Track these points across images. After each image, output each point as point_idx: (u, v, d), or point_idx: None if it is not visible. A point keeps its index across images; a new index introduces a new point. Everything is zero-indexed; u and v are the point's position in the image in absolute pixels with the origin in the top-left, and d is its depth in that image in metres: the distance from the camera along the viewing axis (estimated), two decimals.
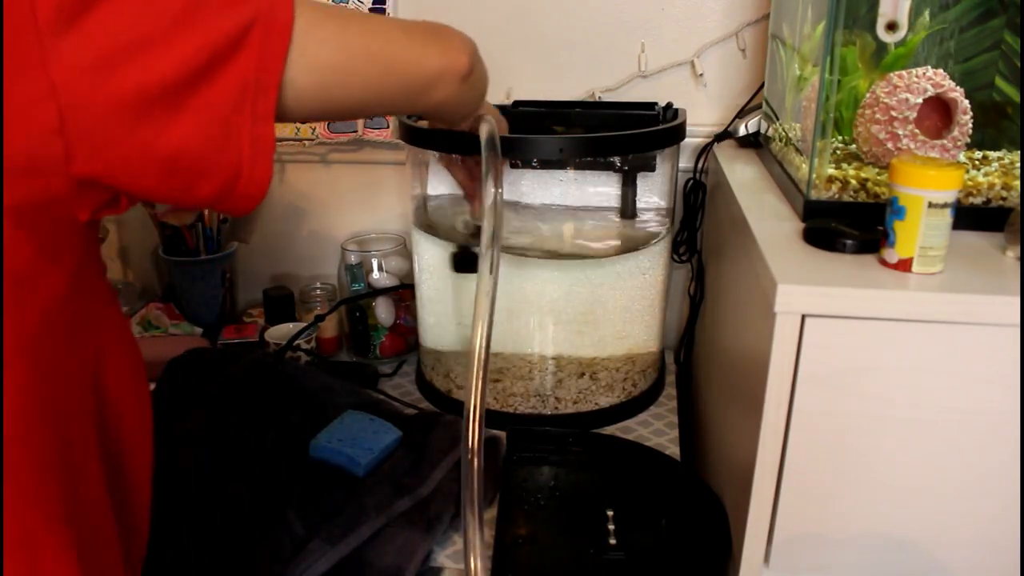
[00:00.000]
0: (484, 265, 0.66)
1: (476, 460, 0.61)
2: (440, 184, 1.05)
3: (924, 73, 0.81)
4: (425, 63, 0.59)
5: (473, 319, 0.65)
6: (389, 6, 1.15)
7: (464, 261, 0.98)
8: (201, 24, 0.44)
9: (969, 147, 0.85)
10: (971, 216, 0.74)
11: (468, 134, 0.81)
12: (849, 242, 0.69)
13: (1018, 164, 0.83)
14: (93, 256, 0.51)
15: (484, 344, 0.64)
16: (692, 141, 1.09)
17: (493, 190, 0.69)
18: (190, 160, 0.46)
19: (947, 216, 0.64)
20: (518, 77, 1.18)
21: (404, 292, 1.18)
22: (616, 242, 1.02)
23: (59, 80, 0.41)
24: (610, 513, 0.80)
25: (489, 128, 0.74)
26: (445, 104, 0.63)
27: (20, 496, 0.45)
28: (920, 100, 0.79)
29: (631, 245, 1.00)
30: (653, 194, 1.04)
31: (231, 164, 0.47)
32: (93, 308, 0.51)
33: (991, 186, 0.77)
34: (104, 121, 0.43)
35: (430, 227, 1.03)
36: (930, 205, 0.63)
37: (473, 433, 0.62)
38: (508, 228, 1.01)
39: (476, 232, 0.98)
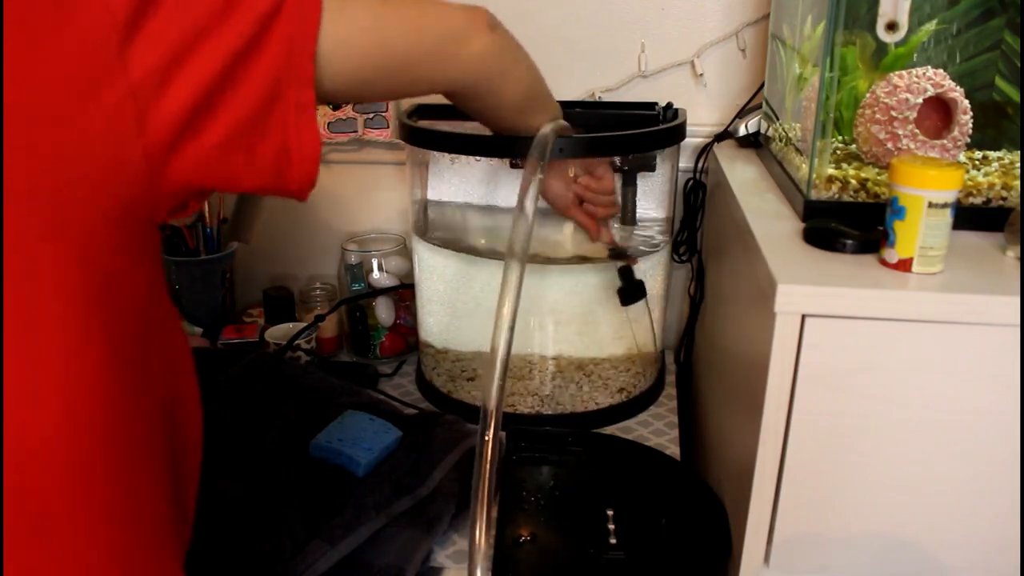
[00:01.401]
0: (510, 274, 0.64)
1: (488, 462, 0.60)
2: (440, 184, 1.05)
3: (924, 73, 0.81)
4: (452, 16, 0.60)
5: (495, 327, 0.63)
6: None
7: (630, 292, 0.96)
8: (241, 5, 0.45)
9: (969, 147, 0.85)
10: (971, 216, 0.74)
11: (471, 135, 0.80)
12: (849, 242, 0.69)
13: (1018, 164, 0.83)
14: (160, 258, 0.52)
15: (504, 354, 0.62)
16: (692, 141, 1.09)
17: (531, 201, 0.67)
18: (244, 132, 0.47)
19: (947, 216, 0.64)
20: None
21: (404, 292, 1.18)
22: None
23: (136, 80, 0.42)
24: (610, 513, 0.80)
25: (548, 128, 0.72)
26: (485, 57, 0.63)
27: (109, 491, 0.46)
28: (920, 100, 0.79)
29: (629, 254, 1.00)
30: (652, 203, 1.04)
31: (279, 128, 0.48)
32: (164, 310, 0.52)
33: (991, 186, 0.77)
34: (174, 120, 0.44)
35: (430, 234, 1.03)
36: (930, 205, 0.63)
37: (489, 434, 0.61)
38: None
39: (616, 254, 0.97)
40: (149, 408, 0.49)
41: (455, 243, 1.01)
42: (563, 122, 0.77)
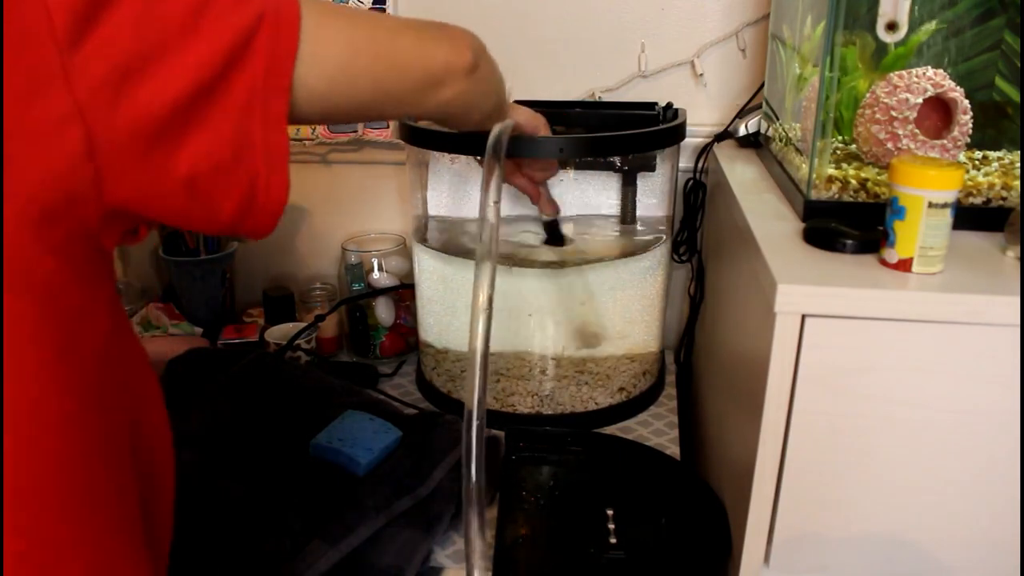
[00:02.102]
0: (481, 274, 0.65)
1: (475, 460, 0.61)
2: (440, 184, 1.05)
3: (924, 73, 0.81)
4: (431, 59, 0.58)
5: (471, 324, 0.64)
6: (389, 6, 1.15)
7: (553, 234, 1.00)
8: (208, 28, 0.41)
9: (969, 147, 0.85)
10: (971, 216, 0.74)
11: (473, 134, 0.81)
12: (849, 242, 0.69)
13: (1018, 164, 0.83)
14: (114, 281, 0.49)
15: (483, 350, 0.63)
16: (692, 141, 1.09)
17: (493, 197, 0.68)
18: (208, 175, 0.43)
19: (947, 216, 0.64)
20: (518, 77, 1.18)
21: (404, 292, 1.18)
22: (615, 252, 1.02)
23: (83, 98, 0.38)
24: (610, 513, 0.80)
25: (498, 130, 0.73)
26: (453, 102, 0.62)
27: (84, 525, 0.45)
28: (920, 100, 0.79)
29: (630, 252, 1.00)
30: (652, 199, 1.04)
31: (248, 175, 0.45)
32: (125, 333, 0.50)
33: (991, 186, 0.77)
34: (127, 142, 0.40)
35: (430, 242, 1.03)
36: (930, 205, 0.63)
37: (473, 433, 0.62)
38: (507, 238, 1.01)
39: (549, 225, 1.00)
40: (113, 439, 0.47)
41: (455, 251, 1.01)
42: (510, 121, 0.77)
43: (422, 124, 0.92)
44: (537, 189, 0.93)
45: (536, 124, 0.83)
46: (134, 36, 0.39)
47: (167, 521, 0.57)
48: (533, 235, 1.03)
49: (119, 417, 0.48)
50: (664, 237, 1.04)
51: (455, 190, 1.05)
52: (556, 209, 0.96)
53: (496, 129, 0.73)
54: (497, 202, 0.67)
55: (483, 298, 0.63)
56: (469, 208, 1.06)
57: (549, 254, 0.99)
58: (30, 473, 0.41)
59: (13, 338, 0.39)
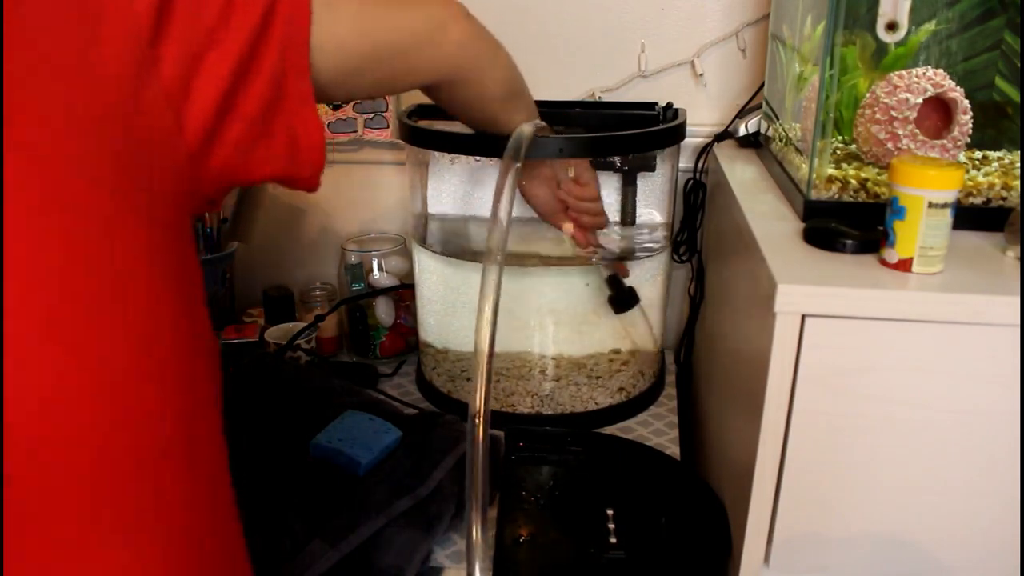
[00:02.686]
0: (489, 275, 0.65)
1: (480, 460, 0.61)
2: (440, 184, 1.05)
3: (924, 73, 0.81)
4: (429, 4, 0.63)
5: (477, 325, 0.64)
6: None
7: (621, 300, 0.95)
8: (240, 9, 0.47)
9: (969, 147, 0.85)
10: (971, 216, 0.74)
11: (471, 135, 0.81)
12: (849, 242, 0.69)
13: (1018, 164, 0.83)
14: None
15: (488, 351, 0.63)
16: (692, 141, 1.09)
17: (507, 198, 0.67)
18: (258, 126, 0.49)
19: (947, 216, 0.64)
20: None
21: (404, 292, 1.18)
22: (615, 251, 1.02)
23: (167, 81, 0.43)
24: (610, 513, 0.80)
25: (526, 130, 0.72)
26: (465, 43, 0.66)
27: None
28: (920, 100, 0.79)
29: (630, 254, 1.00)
30: (652, 208, 1.04)
31: (285, 122, 0.50)
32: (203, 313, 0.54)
33: (991, 186, 0.77)
34: (204, 120, 0.45)
35: (430, 243, 1.03)
36: (930, 205, 0.63)
37: (478, 433, 0.62)
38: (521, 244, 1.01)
39: (612, 281, 0.96)
40: (212, 390, 0.52)
41: (455, 252, 1.01)
42: (540, 122, 0.78)
43: (422, 124, 0.92)
44: (585, 235, 0.91)
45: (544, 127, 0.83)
46: (193, 24, 0.45)
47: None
48: (552, 243, 1.01)
49: (213, 370, 0.52)
50: (664, 244, 1.04)
51: (455, 190, 1.05)
52: (624, 271, 0.94)
53: (526, 127, 0.73)
54: (510, 207, 0.68)
55: (488, 309, 0.64)
56: (469, 208, 1.06)
57: (547, 251, 0.99)
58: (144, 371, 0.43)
59: (129, 254, 0.42)
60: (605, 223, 0.92)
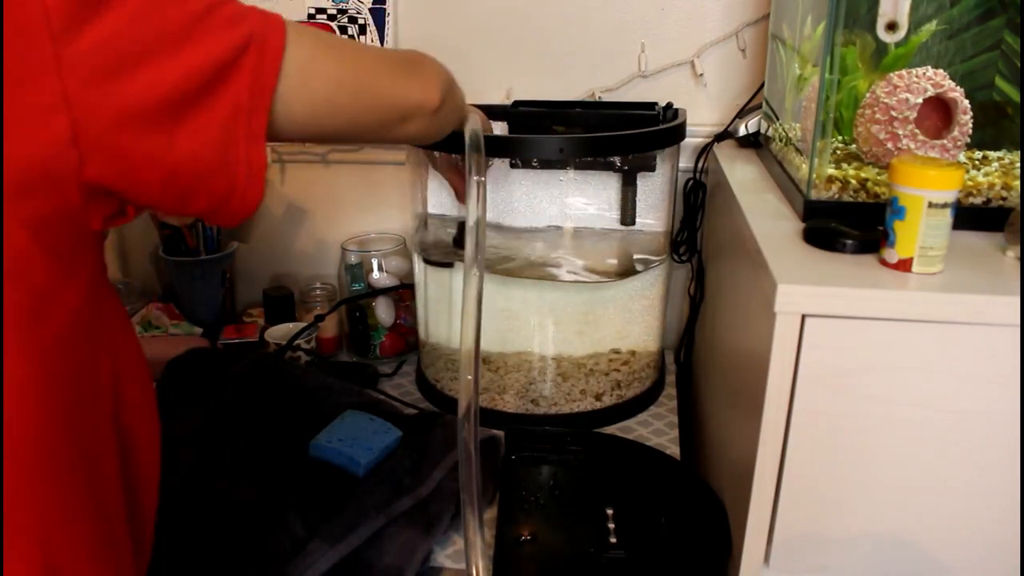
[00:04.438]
0: (469, 268, 0.67)
1: (473, 459, 0.61)
2: (440, 185, 1.05)
3: (924, 73, 0.81)
4: (403, 98, 0.63)
5: (462, 320, 0.65)
6: (389, 6, 1.15)
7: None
8: (202, 41, 0.45)
9: (969, 147, 0.85)
10: (971, 216, 0.74)
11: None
12: (849, 242, 0.69)
13: (1018, 164, 0.83)
14: (103, 267, 0.51)
15: (474, 346, 0.64)
16: (692, 141, 1.09)
17: (476, 186, 0.71)
18: (190, 175, 0.47)
19: (947, 216, 0.64)
20: (518, 77, 1.18)
21: (404, 292, 1.18)
22: (615, 263, 1.02)
23: (72, 88, 0.41)
24: (610, 512, 0.80)
25: (472, 127, 0.75)
26: (415, 137, 0.67)
27: (44, 512, 0.45)
28: (920, 100, 0.79)
29: (629, 268, 1.00)
30: (651, 218, 1.04)
31: (228, 181, 0.48)
32: (107, 319, 0.51)
33: (991, 186, 0.77)
34: (112, 132, 0.43)
35: (432, 252, 1.03)
36: (930, 205, 0.63)
37: (469, 433, 0.62)
38: (505, 251, 1.01)
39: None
40: (88, 425, 0.48)
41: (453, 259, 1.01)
42: (475, 118, 0.78)
43: None
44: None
45: (488, 126, 0.86)
46: (130, 35, 0.42)
47: (151, 501, 0.57)
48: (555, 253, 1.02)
49: (91, 392, 0.49)
50: (663, 259, 1.04)
51: (454, 205, 1.05)
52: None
53: (468, 126, 0.75)
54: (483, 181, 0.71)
55: (472, 301, 0.65)
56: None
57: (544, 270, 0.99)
58: None
59: None
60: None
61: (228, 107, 0.46)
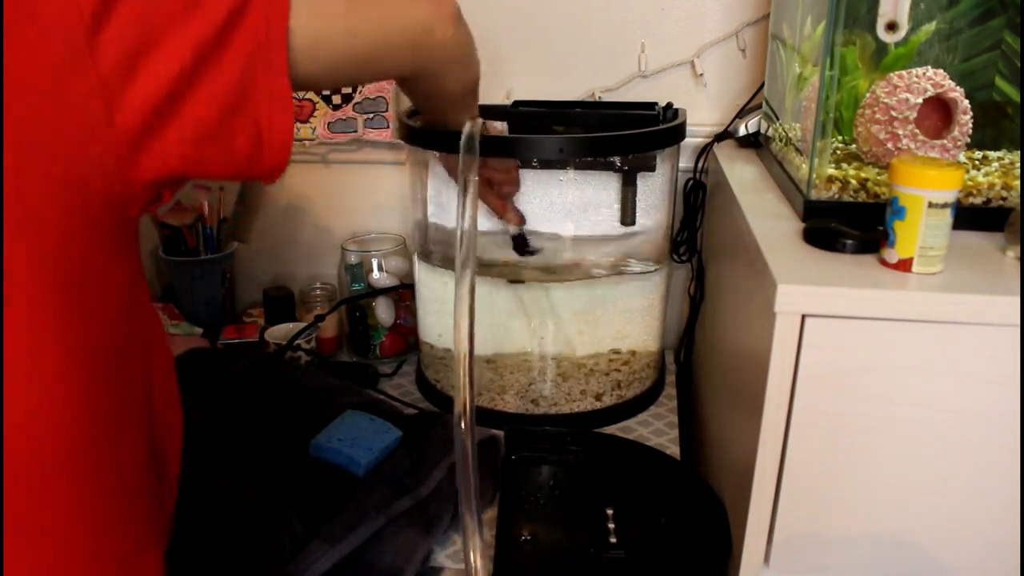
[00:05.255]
0: (461, 271, 0.67)
1: (470, 460, 0.62)
2: (440, 185, 1.05)
3: (924, 73, 0.81)
4: (415, 5, 0.62)
5: (454, 321, 0.65)
6: None
7: (521, 246, 1.00)
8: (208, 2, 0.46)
9: (969, 147, 0.85)
10: (971, 216, 0.74)
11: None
12: (849, 242, 0.69)
13: (1018, 164, 0.83)
14: (138, 251, 0.53)
15: (468, 346, 0.65)
16: (692, 141, 1.09)
17: (466, 191, 0.71)
18: (219, 117, 0.48)
19: (947, 216, 0.64)
20: (518, 77, 1.18)
21: (404, 292, 1.18)
22: (614, 263, 1.02)
23: (105, 71, 0.43)
24: (610, 512, 0.80)
25: (470, 127, 0.75)
26: (446, 48, 0.66)
27: (68, 508, 0.46)
28: (920, 100, 0.79)
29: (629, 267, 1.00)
30: (651, 218, 1.04)
31: (253, 116, 0.49)
32: (144, 303, 0.53)
33: (991, 186, 0.77)
34: (145, 112, 0.45)
35: (433, 258, 1.03)
36: (930, 205, 0.63)
37: (466, 433, 0.63)
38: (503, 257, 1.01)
39: (516, 238, 0.99)
40: (126, 404, 0.50)
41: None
42: (481, 120, 0.79)
43: (419, 123, 0.92)
44: (503, 203, 0.95)
45: (501, 129, 0.87)
46: (145, 14, 0.45)
47: (173, 486, 0.59)
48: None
49: (135, 378, 0.51)
50: (661, 267, 1.04)
51: (455, 190, 1.05)
52: (521, 220, 0.98)
53: (468, 127, 0.75)
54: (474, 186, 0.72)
55: (465, 288, 0.66)
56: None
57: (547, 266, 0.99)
58: (27, 412, 0.43)
59: (15, 283, 0.42)
60: (517, 190, 0.96)
61: (245, 49, 0.48)
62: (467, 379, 0.64)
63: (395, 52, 0.63)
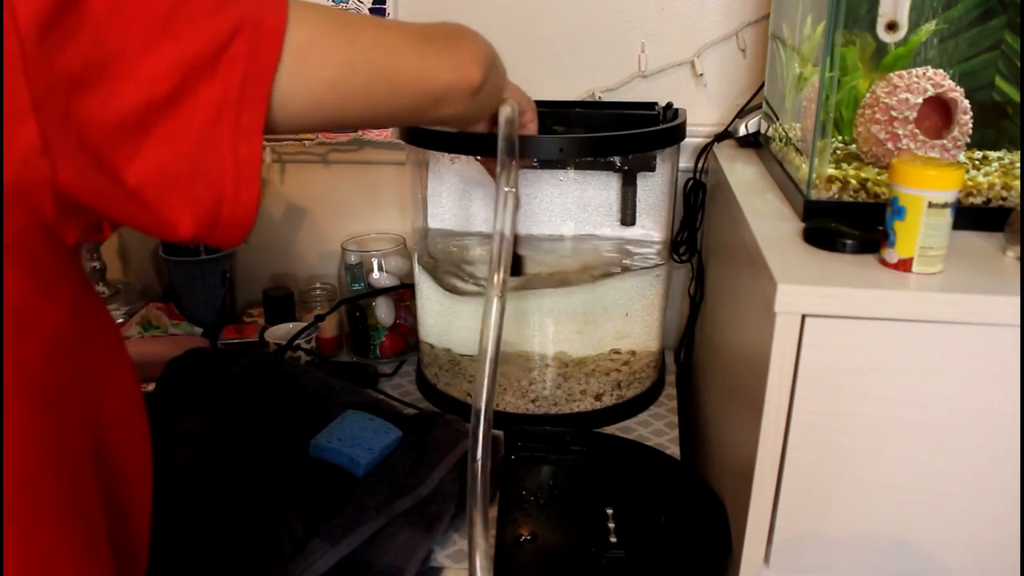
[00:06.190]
0: (494, 271, 0.65)
1: (482, 462, 0.61)
2: (440, 185, 1.05)
3: (924, 73, 0.81)
4: (433, 80, 0.56)
5: (482, 327, 0.63)
6: (389, 6, 1.15)
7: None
8: (178, 37, 0.40)
9: (969, 147, 0.85)
10: (971, 216, 0.74)
11: (471, 136, 0.81)
12: (849, 242, 0.69)
13: (1018, 164, 0.83)
14: (85, 282, 0.47)
15: (493, 355, 0.62)
16: (692, 141, 1.09)
17: (505, 189, 0.67)
18: (157, 189, 0.42)
19: (947, 216, 0.64)
20: (518, 77, 1.17)
21: (404, 292, 1.18)
22: (615, 267, 1.02)
23: (39, 94, 0.37)
24: (610, 512, 0.80)
25: (508, 120, 0.70)
26: (452, 119, 0.61)
27: (25, 535, 0.42)
28: (920, 100, 0.79)
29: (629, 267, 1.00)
30: (650, 220, 1.04)
31: (210, 190, 0.43)
32: (93, 336, 0.48)
33: (991, 186, 0.77)
34: (79, 143, 0.39)
35: (432, 265, 1.03)
36: (930, 205, 0.63)
37: (480, 436, 0.61)
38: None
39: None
40: (71, 449, 0.45)
41: (452, 286, 1.01)
42: (510, 108, 0.73)
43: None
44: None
45: (527, 105, 0.80)
46: (95, 39, 0.38)
47: (142, 524, 0.53)
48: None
49: (74, 415, 0.46)
50: (661, 260, 1.04)
51: (456, 190, 1.05)
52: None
53: (504, 120, 0.70)
54: (516, 190, 0.67)
55: (496, 284, 0.62)
56: (469, 218, 1.05)
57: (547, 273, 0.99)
58: None
59: None
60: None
61: (210, 107, 0.41)
62: (490, 383, 0.61)
63: (392, 119, 0.57)
